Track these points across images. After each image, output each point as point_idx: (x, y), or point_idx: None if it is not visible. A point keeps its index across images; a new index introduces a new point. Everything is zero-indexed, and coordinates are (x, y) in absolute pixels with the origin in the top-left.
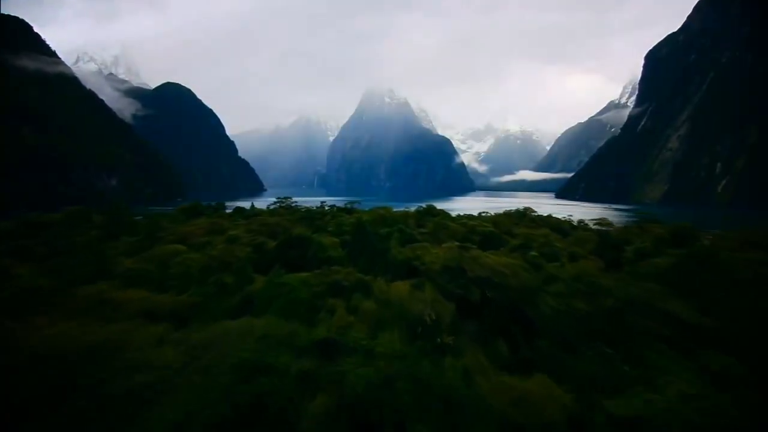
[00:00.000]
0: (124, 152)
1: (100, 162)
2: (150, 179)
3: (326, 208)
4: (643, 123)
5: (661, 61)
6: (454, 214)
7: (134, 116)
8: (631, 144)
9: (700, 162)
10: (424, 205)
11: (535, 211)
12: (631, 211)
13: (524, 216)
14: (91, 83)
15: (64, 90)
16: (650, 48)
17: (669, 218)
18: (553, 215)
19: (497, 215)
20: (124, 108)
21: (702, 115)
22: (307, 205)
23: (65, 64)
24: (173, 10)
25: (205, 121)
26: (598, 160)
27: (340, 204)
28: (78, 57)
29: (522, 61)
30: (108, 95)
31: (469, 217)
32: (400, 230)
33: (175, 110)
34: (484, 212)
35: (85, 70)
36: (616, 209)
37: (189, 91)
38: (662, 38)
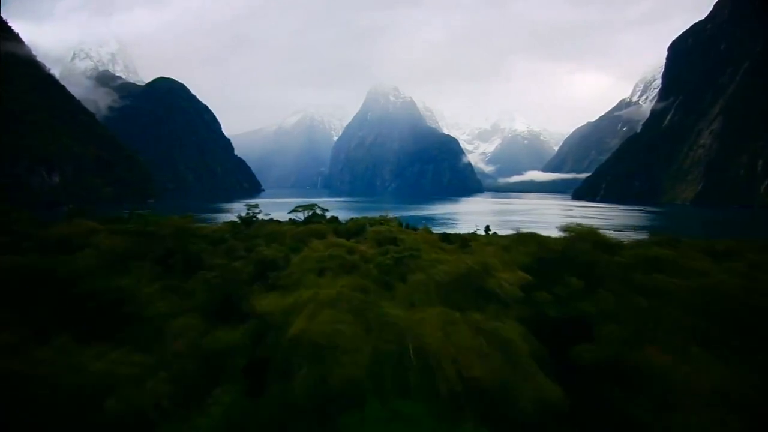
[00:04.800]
0: (77, 145)
1: (40, 155)
2: (112, 177)
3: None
4: (669, 118)
5: (687, 52)
6: None
7: (111, 108)
8: (655, 141)
9: (738, 159)
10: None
11: None
12: (673, 215)
13: None
14: (63, 72)
15: (12, 71)
16: (673, 39)
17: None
18: None
19: None
20: (99, 99)
21: (736, 108)
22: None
23: (21, 42)
24: (174, 7)
25: (199, 117)
26: (618, 159)
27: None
28: (74, 54)
29: (528, 60)
30: (81, 84)
31: None
32: None
33: (165, 105)
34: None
35: (81, 67)
36: (656, 212)
37: (182, 85)
38: (687, 27)
